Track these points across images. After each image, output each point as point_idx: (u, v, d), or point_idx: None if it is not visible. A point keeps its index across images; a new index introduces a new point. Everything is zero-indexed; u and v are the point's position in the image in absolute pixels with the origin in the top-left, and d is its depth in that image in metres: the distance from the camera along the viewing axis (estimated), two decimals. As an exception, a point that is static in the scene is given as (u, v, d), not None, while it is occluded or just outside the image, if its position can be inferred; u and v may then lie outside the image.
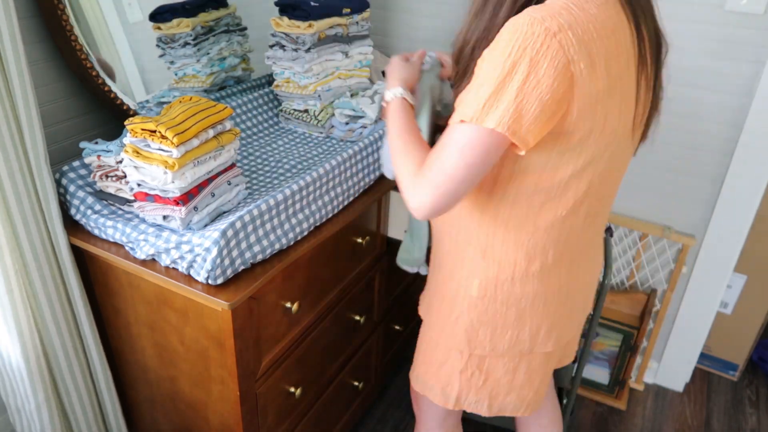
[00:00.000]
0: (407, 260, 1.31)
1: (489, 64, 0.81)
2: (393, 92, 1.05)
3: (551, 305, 1.04)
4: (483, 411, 1.15)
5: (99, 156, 1.16)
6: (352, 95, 1.60)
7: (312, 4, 1.44)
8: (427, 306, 1.18)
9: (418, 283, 1.95)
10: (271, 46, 1.52)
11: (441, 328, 1.12)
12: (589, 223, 0.99)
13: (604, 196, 0.99)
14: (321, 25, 1.45)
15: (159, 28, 1.42)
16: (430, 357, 1.17)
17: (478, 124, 0.80)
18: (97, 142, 1.18)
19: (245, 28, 1.60)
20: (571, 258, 1.01)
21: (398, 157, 0.95)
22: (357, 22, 1.57)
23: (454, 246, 1.05)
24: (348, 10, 1.52)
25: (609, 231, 1.43)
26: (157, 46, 1.44)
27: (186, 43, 1.44)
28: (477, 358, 1.10)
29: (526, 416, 1.41)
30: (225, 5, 1.54)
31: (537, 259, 0.98)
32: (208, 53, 1.50)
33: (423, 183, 0.87)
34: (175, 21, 1.42)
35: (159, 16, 1.40)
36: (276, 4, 1.47)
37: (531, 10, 0.79)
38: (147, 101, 1.42)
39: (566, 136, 0.85)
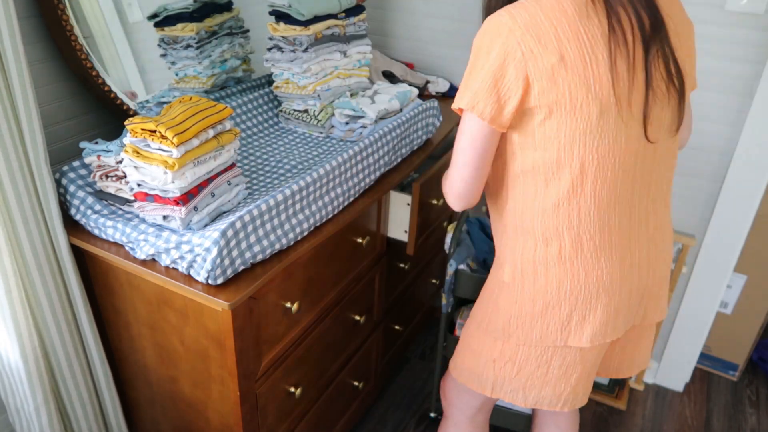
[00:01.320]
0: None
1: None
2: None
3: (581, 295, 1.04)
4: (519, 401, 1.17)
5: (99, 156, 1.16)
6: (351, 95, 1.60)
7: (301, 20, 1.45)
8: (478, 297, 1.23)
9: (418, 283, 1.95)
10: (269, 49, 1.53)
11: (481, 317, 1.17)
12: (612, 210, 1.00)
13: (622, 180, 0.99)
14: (317, 27, 1.46)
15: (162, 30, 1.42)
16: (468, 345, 1.21)
17: (455, 106, 0.99)
18: (97, 142, 1.18)
19: (247, 31, 1.61)
20: (600, 246, 1.02)
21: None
22: (354, 23, 1.58)
23: (496, 235, 1.16)
24: (343, 14, 1.53)
25: None
26: (159, 46, 1.44)
27: (188, 46, 1.44)
28: (510, 347, 1.12)
29: (545, 414, 1.42)
30: (229, 9, 1.54)
31: (553, 242, 1.02)
32: (210, 56, 1.50)
33: (446, 179, 1.09)
34: (179, 25, 1.42)
35: (165, 21, 1.41)
36: (270, 13, 1.48)
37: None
38: (147, 101, 1.42)
39: (537, 110, 0.94)
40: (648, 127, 0.98)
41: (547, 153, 0.97)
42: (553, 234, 1.02)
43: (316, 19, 1.46)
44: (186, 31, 1.42)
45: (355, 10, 1.57)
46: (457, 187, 1.05)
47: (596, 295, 1.05)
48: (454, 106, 0.99)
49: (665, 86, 0.97)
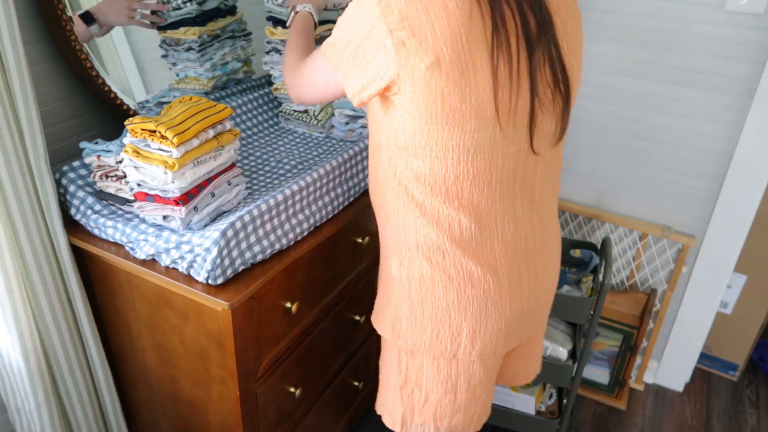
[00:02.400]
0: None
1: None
2: (302, 6, 1.28)
3: (470, 309, 1.00)
4: None
5: (99, 156, 1.16)
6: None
7: None
8: (375, 314, 1.16)
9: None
10: (267, 52, 1.53)
11: (378, 321, 1.12)
12: (493, 225, 0.96)
13: (500, 195, 0.94)
14: (317, 30, 1.46)
15: (164, 33, 1.42)
16: (383, 373, 1.18)
17: (322, 54, 0.96)
18: (97, 142, 1.18)
19: (250, 33, 1.61)
20: (483, 261, 0.97)
21: (288, 54, 1.17)
22: None
23: (380, 229, 1.09)
24: None
25: None
26: (161, 47, 1.44)
27: (190, 48, 1.44)
28: (412, 368, 1.08)
29: None
30: (233, 13, 1.54)
31: (436, 251, 0.96)
32: (212, 58, 1.50)
33: (295, 76, 1.09)
34: (182, 29, 1.42)
35: (167, 24, 1.41)
36: (268, 18, 1.49)
37: None
38: (147, 101, 1.42)
39: (403, 112, 0.86)
40: (533, 138, 0.90)
41: (419, 160, 0.90)
42: (436, 243, 0.96)
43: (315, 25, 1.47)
44: (188, 34, 1.43)
45: None
46: (302, 97, 1.08)
47: (485, 309, 1.00)
48: (322, 46, 0.95)
49: (551, 93, 0.89)
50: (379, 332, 1.14)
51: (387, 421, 1.18)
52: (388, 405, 1.17)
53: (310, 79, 1.03)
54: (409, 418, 1.13)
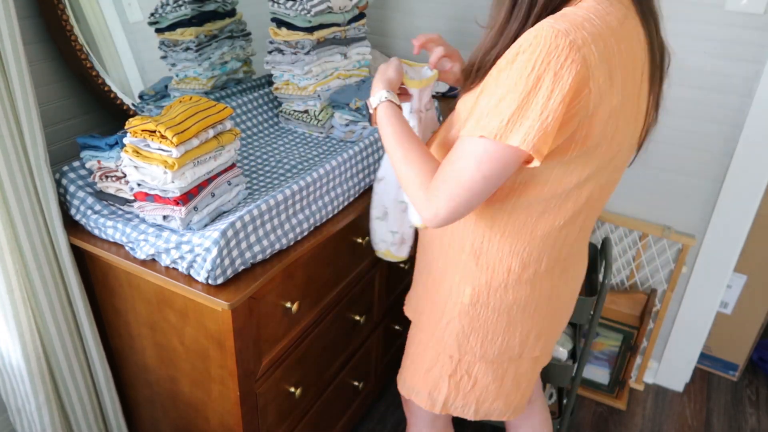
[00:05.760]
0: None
1: (509, 77, 0.77)
2: (378, 96, 1.01)
3: (541, 311, 1.04)
4: (469, 415, 1.15)
5: (99, 161, 1.16)
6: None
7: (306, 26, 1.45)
8: (415, 308, 1.18)
9: (418, 283, 1.95)
10: (270, 52, 1.53)
11: (431, 333, 1.11)
12: (583, 234, 1.01)
13: (600, 207, 0.99)
14: (321, 33, 1.47)
15: (162, 34, 1.42)
16: (418, 361, 1.17)
17: (501, 141, 0.78)
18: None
19: (249, 33, 1.61)
20: (564, 266, 1.02)
21: (403, 167, 0.92)
22: (355, 27, 1.59)
23: (446, 250, 1.03)
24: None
25: None
26: (160, 48, 1.44)
27: (188, 48, 1.45)
28: (467, 363, 1.09)
29: (519, 419, 1.41)
30: (232, 15, 1.54)
31: (531, 267, 0.98)
32: (210, 58, 1.50)
33: (438, 195, 0.85)
34: (179, 30, 1.42)
35: (166, 29, 1.41)
36: (272, 20, 1.49)
37: (552, 21, 0.75)
38: (144, 94, 1.42)
39: (575, 147, 0.83)
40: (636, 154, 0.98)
41: (561, 185, 0.88)
42: (534, 260, 0.97)
43: (321, 26, 1.47)
44: (185, 35, 1.43)
45: (356, 17, 1.58)
46: (455, 211, 0.85)
47: (554, 307, 1.05)
48: (510, 142, 0.78)
49: (652, 116, 0.94)
50: (432, 343, 1.12)
51: (422, 402, 1.16)
52: (427, 388, 1.15)
53: (476, 177, 0.81)
54: (452, 401, 1.14)
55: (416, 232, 1.23)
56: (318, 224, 1.27)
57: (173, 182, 1.04)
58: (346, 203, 1.35)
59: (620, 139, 0.86)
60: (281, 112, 1.59)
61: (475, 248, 0.98)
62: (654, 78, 0.88)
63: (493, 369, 1.09)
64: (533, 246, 0.96)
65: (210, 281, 1.06)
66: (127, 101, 1.36)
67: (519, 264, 0.97)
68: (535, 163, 0.80)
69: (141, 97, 1.42)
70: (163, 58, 1.46)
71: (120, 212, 1.19)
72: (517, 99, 0.76)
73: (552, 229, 0.94)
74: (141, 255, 1.12)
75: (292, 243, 1.20)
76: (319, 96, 1.52)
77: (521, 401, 1.16)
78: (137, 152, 1.06)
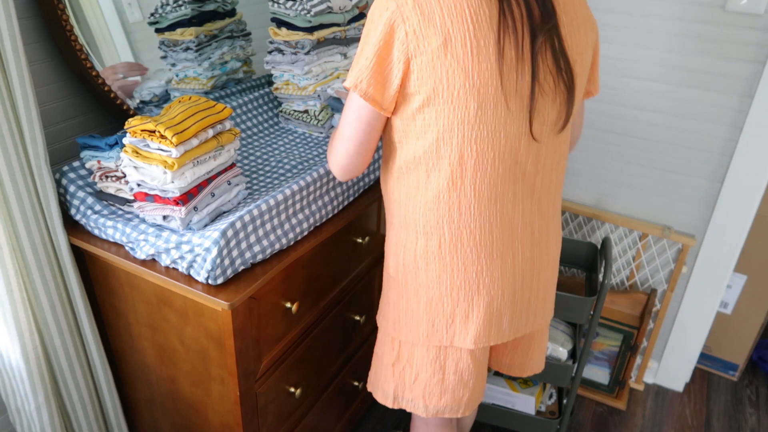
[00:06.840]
0: None
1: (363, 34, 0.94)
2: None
3: (461, 291, 1.03)
4: (420, 411, 1.16)
5: (99, 161, 1.16)
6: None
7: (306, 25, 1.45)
8: (379, 313, 1.23)
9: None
10: (270, 52, 1.53)
11: (382, 316, 1.18)
12: (492, 206, 0.98)
13: (503, 178, 0.97)
14: (321, 33, 1.47)
15: (162, 34, 1.42)
16: (378, 353, 1.22)
17: (350, 88, 0.94)
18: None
19: (249, 33, 1.61)
20: (480, 242, 1.00)
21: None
22: (355, 27, 1.59)
23: (387, 227, 1.13)
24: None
25: None
26: (160, 48, 1.44)
27: (188, 48, 1.45)
28: (405, 347, 1.13)
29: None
30: (232, 15, 1.54)
31: (433, 236, 1.01)
32: (210, 58, 1.50)
33: (330, 146, 1.07)
34: (179, 30, 1.42)
35: (166, 29, 1.41)
36: (272, 20, 1.49)
37: None
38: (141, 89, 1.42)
39: (414, 96, 0.91)
40: (533, 122, 0.94)
41: (427, 142, 0.95)
42: (434, 227, 1.00)
43: (321, 26, 1.47)
44: (185, 35, 1.43)
45: (356, 17, 1.58)
46: (341, 161, 1.03)
47: (477, 291, 1.03)
48: (345, 83, 0.96)
49: (553, 81, 0.93)
50: (380, 329, 1.19)
51: (379, 397, 1.22)
52: (380, 381, 1.21)
53: (350, 131, 1.00)
54: (401, 394, 1.17)
55: None
56: (318, 224, 1.27)
57: (173, 182, 1.04)
58: (346, 203, 1.35)
59: (468, 87, 0.88)
60: (281, 112, 1.59)
61: (393, 218, 1.08)
62: (505, 27, 0.87)
63: (430, 360, 1.11)
64: (429, 211, 1.00)
65: (210, 281, 1.06)
66: (127, 101, 1.36)
67: (422, 232, 1.02)
68: (385, 113, 0.95)
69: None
70: (163, 58, 1.46)
71: (120, 212, 1.19)
72: (357, 51, 0.94)
73: (440, 192, 0.97)
74: (141, 255, 1.12)
75: (292, 243, 1.20)
76: (319, 96, 1.52)
77: (473, 397, 1.16)
78: (137, 152, 1.06)
